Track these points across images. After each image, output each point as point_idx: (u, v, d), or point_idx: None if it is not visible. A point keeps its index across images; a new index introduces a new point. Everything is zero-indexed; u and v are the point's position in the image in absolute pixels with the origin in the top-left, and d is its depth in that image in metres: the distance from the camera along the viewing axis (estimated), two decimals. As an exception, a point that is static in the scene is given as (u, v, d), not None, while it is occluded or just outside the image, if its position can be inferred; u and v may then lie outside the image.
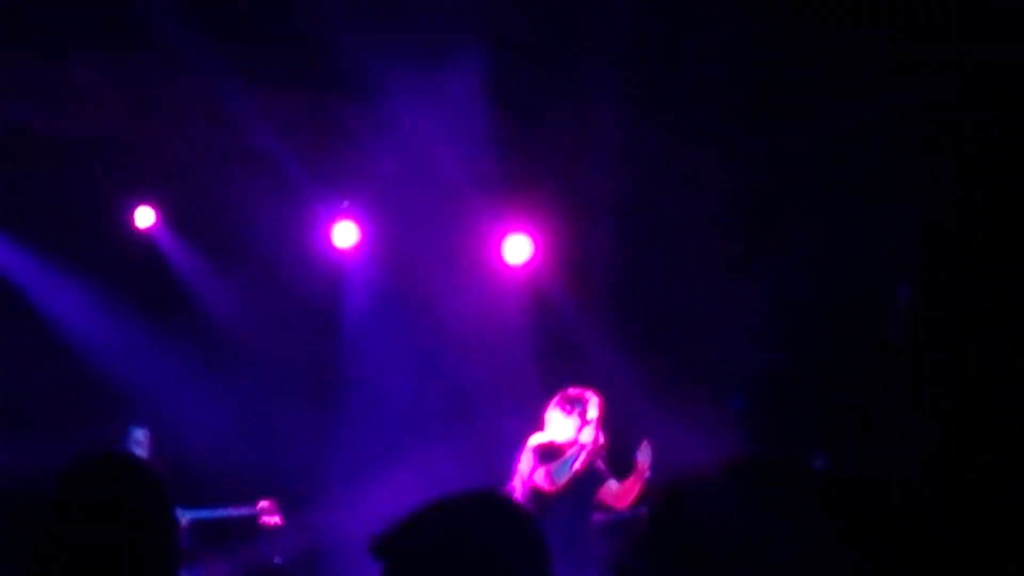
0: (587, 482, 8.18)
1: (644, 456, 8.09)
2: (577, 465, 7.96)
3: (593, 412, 8.11)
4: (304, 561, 10.40)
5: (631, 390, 9.76)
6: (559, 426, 8.18)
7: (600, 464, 8.28)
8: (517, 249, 11.02)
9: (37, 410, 10.59)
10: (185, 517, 8.93)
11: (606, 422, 8.18)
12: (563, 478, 7.94)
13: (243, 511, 9.23)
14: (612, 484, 8.27)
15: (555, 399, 8.28)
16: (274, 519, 9.38)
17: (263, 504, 9.34)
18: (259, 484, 9.48)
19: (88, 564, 2.52)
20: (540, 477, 8.00)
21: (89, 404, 10.53)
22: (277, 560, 10.07)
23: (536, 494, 7.99)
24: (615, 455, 8.42)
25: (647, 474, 8.11)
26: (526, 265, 11.12)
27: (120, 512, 2.63)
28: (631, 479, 8.19)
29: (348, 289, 11.56)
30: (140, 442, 8.96)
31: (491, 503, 2.35)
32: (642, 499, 9.05)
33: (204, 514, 9.07)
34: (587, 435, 8.03)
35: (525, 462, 8.12)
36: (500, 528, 2.23)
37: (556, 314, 11.19)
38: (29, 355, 10.72)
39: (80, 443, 9.49)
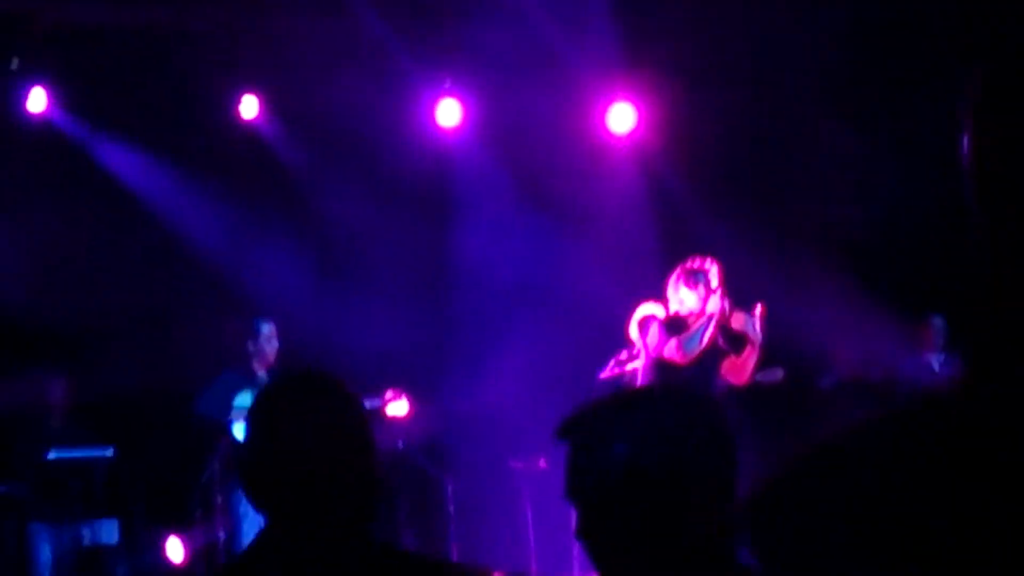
0: (711, 353, 8.11)
1: (755, 322, 8.02)
2: (708, 335, 7.91)
3: (715, 281, 8.04)
4: (426, 446, 10.57)
5: (742, 260, 9.72)
6: (684, 298, 8.08)
7: (720, 337, 8.24)
8: (622, 118, 10.94)
9: (157, 310, 10.77)
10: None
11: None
12: (695, 349, 7.90)
13: (369, 402, 9.29)
14: (731, 358, 8.26)
15: (676, 272, 8.16)
16: (401, 409, 9.43)
17: (389, 394, 9.38)
18: (378, 375, 9.56)
19: (298, 484, 2.57)
20: (671, 349, 7.95)
21: (206, 300, 10.66)
22: (400, 445, 10.24)
23: (665, 366, 7.98)
24: (729, 328, 8.38)
25: (760, 340, 8.07)
26: (631, 135, 11.04)
27: (330, 431, 2.64)
28: (747, 351, 8.18)
29: (454, 169, 11.54)
30: (268, 336, 9.02)
31: (676, 395, 2.39)
32: (759, 371, 9.10)
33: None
34: (714, 304, 7.94)
35: (652, 335, 8.06)
36: (686, 417, 2.25)
37: (663, 185, 11.13)
38: (144, 255, 10.87)
39: (206, 340, 9.70)
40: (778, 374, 9.63)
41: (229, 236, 11.04)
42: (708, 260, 8.14)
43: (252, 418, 2.65)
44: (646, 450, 2.18)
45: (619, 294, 9.06)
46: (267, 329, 9.02)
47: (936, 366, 9.90)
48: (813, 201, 10.20)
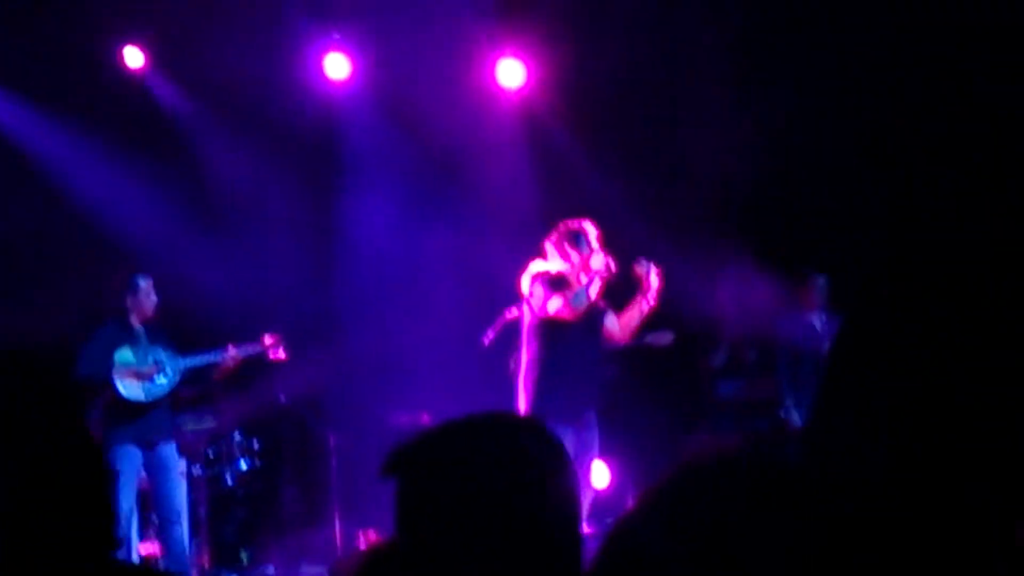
0: (596, 311, 8.14)
1: (644, 272, 8.05)
2: (594, 291, 7.92)
3: (595, 241, 8.09)
4: (309, 400, 10.54)
5: (628, 217, 9.76)
6: (566, 258, 8.11)
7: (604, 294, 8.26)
8: (511, 73, 10.94)
9: (36, 261, 10.61)
10: (188, 363, 8.98)
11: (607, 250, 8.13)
12: (582, 305, 7.90)
13: (248, 349, 9.25)
14: (611, 318, 8.30)
15: (556, 232, 8.19)
16: (280, 353, 9.41)
17: (267, 339, 9.35)
18: (262, 327, 9.52)
19: None
20: (556, 306, 7.96)
21: (89, 254, 10.51)
22: (283, 399, 10.21)
23: (551, 324, 7.98)
24: (613, 286, 8.42)
25: (650, 302, 8.12)
26: (521, 90, 11.03)
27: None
28: (630, 307, 8.21)
29: (342, 123, 11.47)
30: (146, 291, 8.95)
31: (510, 423, 2.29)
32: (649, 333, 9.16)
33: (209, 358, 9.12)
34: (598, 262, 7.97)
35: (537, 294, 8.04)
36: (519, 447, 2.16)
37: (552, 140, 11.14)
38: (26, 205, 10.68)
39: (84, 293, 9.58)
40: (667, 337, 9.69)
41: (114, 188, 10.88)
42: (586, 221, 8.17)
43: None
44: (478, 480, 2.11)
45: (506, 251, 9.06)
46: (144, 284, 8.94)
47: (818, 325, 10.01)
48: (700, 158, 10.23)
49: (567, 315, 7.95)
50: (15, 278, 10.36)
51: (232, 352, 9.10)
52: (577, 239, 8.10)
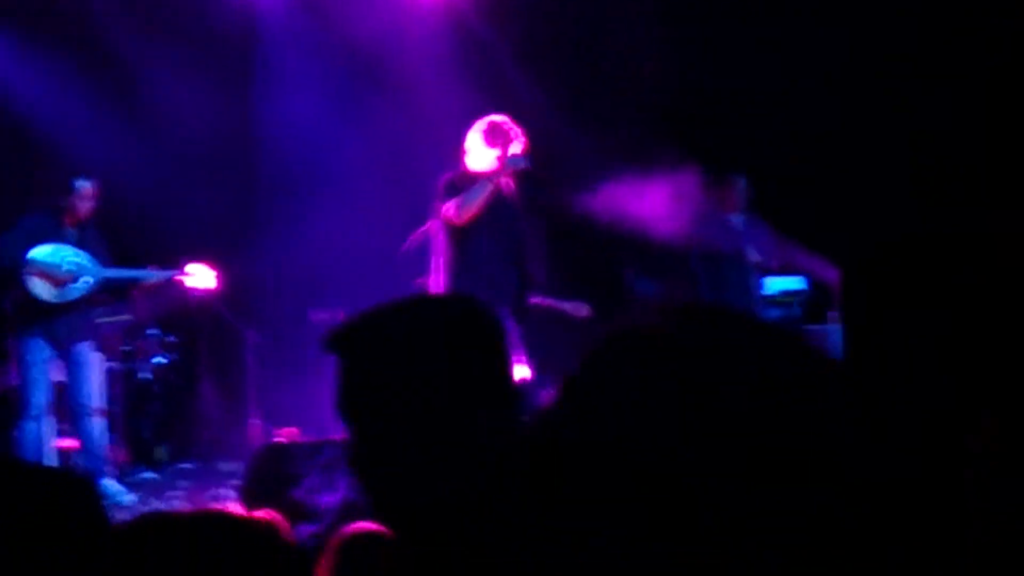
0: (506, 210, 7.73)
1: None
2: (483, 196, 7.51)
3: (517, 148, 7.74)
4: (227, 297, 10.39)
5: (553, 118, 9.69)
6: (481, 155, 7.68)
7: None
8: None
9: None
10: (109, 274, 8.77)
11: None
12: (470, 210, 7.50)
13: (169, 274, 9.00)
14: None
15: (479, 125, 7.73)
16: (208, 280, 9.14)
17: (189, 268, 9.08)
18: (183, 239, 9.34)
19: None
20: (449, 208, 7.55)
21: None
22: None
23: (453, 229, 7.60)
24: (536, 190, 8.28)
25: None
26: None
27: None
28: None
29: (262, 19, 11.25)
30: (81, 193, 8.70)
31: (451, 302, 2.34)
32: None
33: (130, 274, 8.88)
34: (509, 166, 7.60)
35: (439, 194, 7.64)
36: (455, 321, 2.19)
37: (477, 38, 11.01)
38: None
39: (23, 194, 9.37)
40: (584, 309, 9.62)
41: (36, 89, 10.61)
42: (516, 128, 7.82)
43: None
44: (418, 356, 2.13)
45: (430, 150, 8.92)
46: (83, 185, 8.67)
47: (737, 225, 10.03)
48: (626, 54, 10.16)
49: (454, 218, 7.56)
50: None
51: (154, 274, 8.87)
52: (496, 136, 7.76)
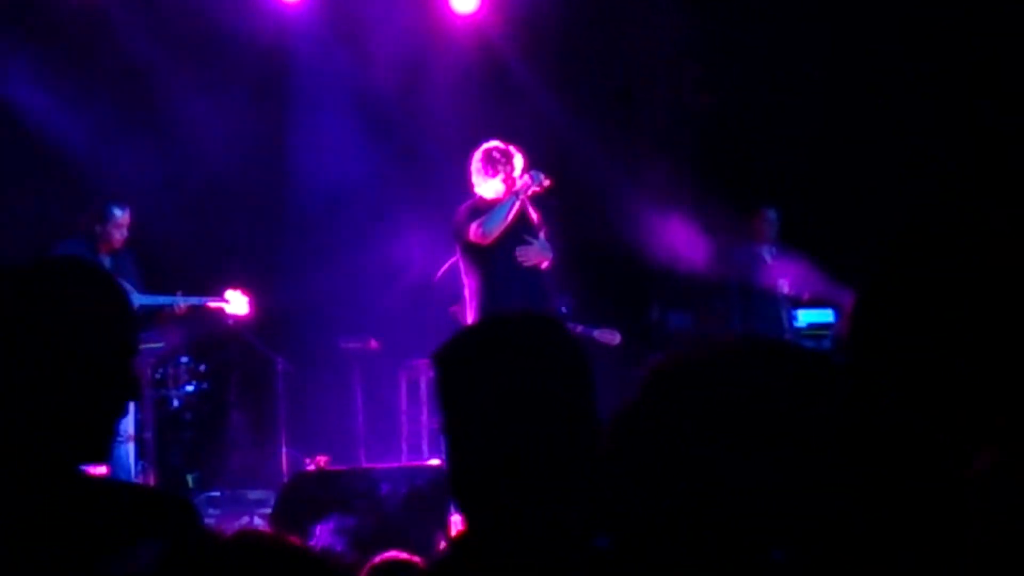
0: (526, 230, 7.93)
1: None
2: (510, 210, 7.74)
3: (518, 167, 7.85)
4: (258, 325, 10.43)
5: (583, 144, 9.71)
6: (486, 185, 7.91)
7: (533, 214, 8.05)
8: (465, -3, 10.82)
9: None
10: (142, 301, 8.80)
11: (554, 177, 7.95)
12: (495, 229, 7.71)
13: (203, 300, 9.06)
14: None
15: (476, 157, 7.95)
16: (241, 307, 9.21)
17: (227, 295, 9.13)
18: (215, 268, 9.36)
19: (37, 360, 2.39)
20: (475, 232, 7.76)
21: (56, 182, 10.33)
22: (230, 322, 10.09)
23: (478, 251, 7.81)
24: (563, 212, 8.32)
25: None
26: (474, 14, 10.91)
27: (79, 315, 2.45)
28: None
29: (293, 45, 11.29)
30: (116, 221, 8.76)
31: (544, 322, 2.39)
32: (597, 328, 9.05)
33: (161, 301, 8.91)
34: (518, 186, 7.78)
35: (460, 219, 7.89)
36: (546, 344, 2.28)
37: (505, 65, 11.04)
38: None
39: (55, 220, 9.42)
40: (615, 336, 9.63)
41: (69, 117, 10.63)
42: (511, 147, 7.94)
43: None
44: (518, 378, 2.20)
45: (459, 177, 8.94)
46: (119, 213, 8.73)
47: (768, 257, 10.03)
48: (657, 88, 10.20)
49: (480, 240, 7.76)
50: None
51: (190, 300, 8.92)
52: (494, 164, 7.89)
